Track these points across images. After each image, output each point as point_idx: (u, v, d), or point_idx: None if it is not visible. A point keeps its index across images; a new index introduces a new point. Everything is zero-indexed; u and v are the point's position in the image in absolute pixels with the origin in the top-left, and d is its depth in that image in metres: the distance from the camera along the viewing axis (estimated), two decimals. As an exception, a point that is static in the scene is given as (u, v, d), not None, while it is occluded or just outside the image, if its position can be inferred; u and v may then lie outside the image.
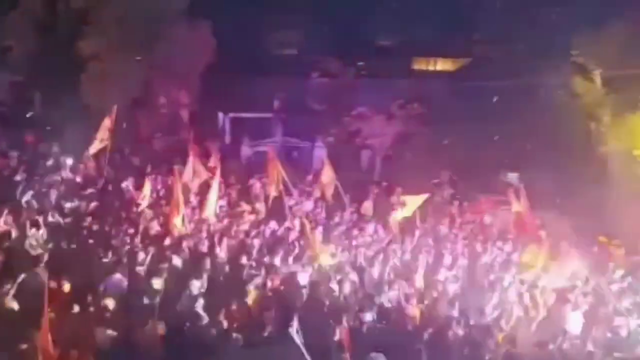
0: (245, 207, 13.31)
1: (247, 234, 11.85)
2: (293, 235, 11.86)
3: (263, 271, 10.10)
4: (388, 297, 9.82)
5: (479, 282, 10.92)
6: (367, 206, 14.49)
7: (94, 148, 13.72)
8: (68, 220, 11.35)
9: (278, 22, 22.22)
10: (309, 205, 13.94)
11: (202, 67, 18.61)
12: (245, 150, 19.77)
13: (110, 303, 8.33)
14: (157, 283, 9.08)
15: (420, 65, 24.37)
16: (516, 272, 11.23)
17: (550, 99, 17.84)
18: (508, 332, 9.34)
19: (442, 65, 24.44)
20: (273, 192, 13.01)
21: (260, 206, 13.49)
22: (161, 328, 7.93)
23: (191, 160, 13.68)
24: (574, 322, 9.84)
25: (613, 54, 16.56)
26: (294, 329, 7.49)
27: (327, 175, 13.91)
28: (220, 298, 8.86)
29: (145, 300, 8.63)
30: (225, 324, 8.24)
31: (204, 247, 11.00)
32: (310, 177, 15.70)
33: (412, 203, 13.37)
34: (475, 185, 17.22)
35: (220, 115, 22.26)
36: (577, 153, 16.87)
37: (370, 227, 13.04)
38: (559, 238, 12.93)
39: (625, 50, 16.06)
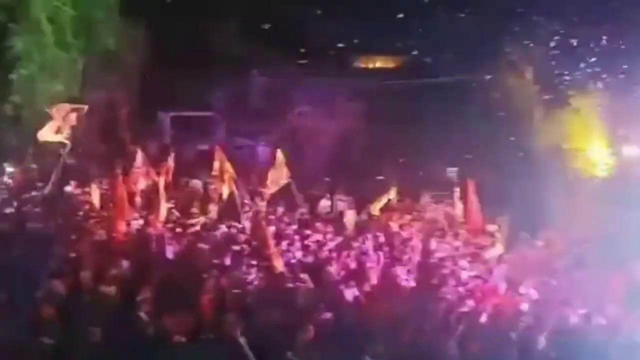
0: (194, 208, 13.04)
1: (197, 235, 11.59)
2: (245, 236, 11.67)
3: (214, 273, 9.89)
4: (344, 296, 9.77)
5: (432, 279, 11.02)
6: (324, 205, 14.46)
7: (45, 136, 12.94)
8: (6, 226, 10.86)
9: (218, 19, 21.87)
10: (261, 204, 13.76)
11: (139, 65, 18.17)
12: (189, 150, 19.40)
13: (48, 310, 7.95)
14: (103, 289, 8.80)
15: (361, 63, 24.52)
16: (468, 267, 11.42)
17: (484, 97, 18.46)
18: (462, 326, 9.44)
19: (382, 63, 24.67)
20: (223, 192, 12.81)
21: (210, 207, 13.23)
22: (100, 334, 7.61)
23: (135, 162, 13.32)
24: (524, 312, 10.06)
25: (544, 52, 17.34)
26: (240, 331, 7.38)
27: (279, 173, 13.77)
28: (168, 302, 8.59)
29: (86, 307, 8.31)
30: (171, 327, 7.98)
31: (153, 251, 10.69)
32: (257, 176, 15.53)
33: (379, 200, 13.48)
34: (420, 182, 17.44)
35: (161, 114, 21.77)
36: (510, 148, 17.48)
37: (323, 226, 12.98)
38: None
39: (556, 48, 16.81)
